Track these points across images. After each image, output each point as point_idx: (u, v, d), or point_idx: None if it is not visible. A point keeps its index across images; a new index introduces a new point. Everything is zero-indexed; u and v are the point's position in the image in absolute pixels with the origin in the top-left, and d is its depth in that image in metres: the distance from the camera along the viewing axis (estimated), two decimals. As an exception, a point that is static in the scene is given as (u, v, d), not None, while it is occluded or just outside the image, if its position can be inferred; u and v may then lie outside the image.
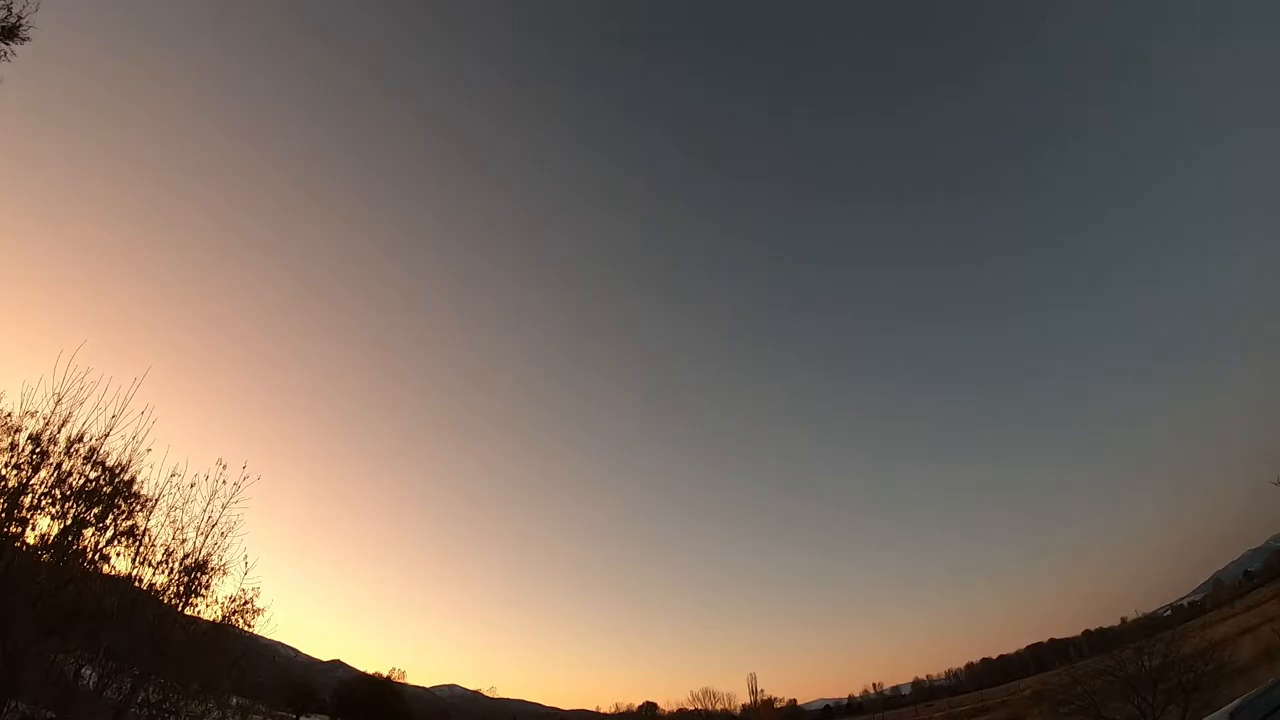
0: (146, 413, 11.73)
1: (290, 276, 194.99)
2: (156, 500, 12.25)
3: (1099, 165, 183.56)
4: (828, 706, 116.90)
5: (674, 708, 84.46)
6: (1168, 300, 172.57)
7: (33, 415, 10.71)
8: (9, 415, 10.68)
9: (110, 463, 11.49)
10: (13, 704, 9.71)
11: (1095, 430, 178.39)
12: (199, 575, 12.68)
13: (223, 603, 13.17)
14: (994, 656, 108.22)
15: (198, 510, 12.70)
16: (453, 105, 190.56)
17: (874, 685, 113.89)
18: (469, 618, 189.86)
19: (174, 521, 12.47)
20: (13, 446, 10.46)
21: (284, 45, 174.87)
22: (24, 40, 9.77)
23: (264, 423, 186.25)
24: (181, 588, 12.49)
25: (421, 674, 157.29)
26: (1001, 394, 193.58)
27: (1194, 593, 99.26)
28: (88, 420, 11.12)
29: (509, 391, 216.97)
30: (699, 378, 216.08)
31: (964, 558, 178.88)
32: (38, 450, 10.58)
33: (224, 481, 12.89)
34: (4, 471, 10.34)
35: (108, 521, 11.47)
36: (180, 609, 12.59)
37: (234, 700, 15.03)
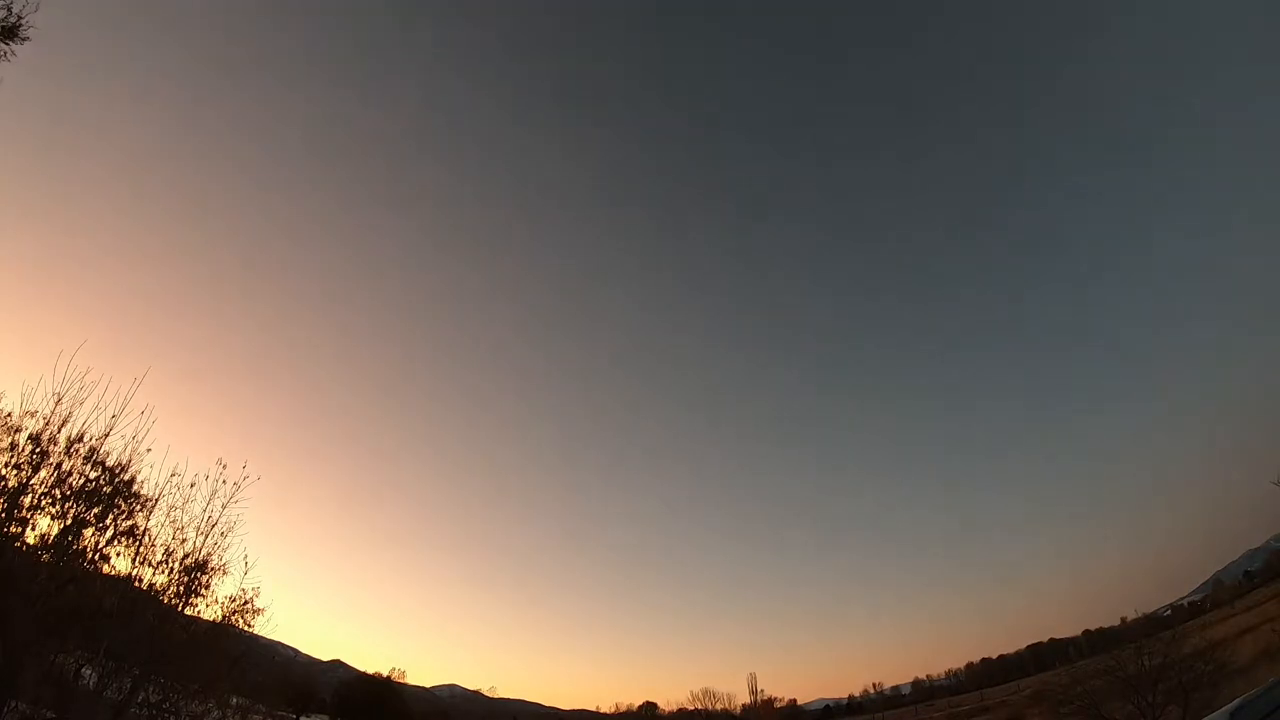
0: (146, 413, 11.76)
1: (290, 276, 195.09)
2: (156, 500, 12.26)
3: (1100, 164, 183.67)
4: (828, 706, 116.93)
5: (674, 708, 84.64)
6: (1168, 300, 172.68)
7: (33, 415, 10.72)
8: (9, 415, 10.69)
9: (110, 463, 11.50)
10: (13, 704, 9.71)
11: (1095, 430, 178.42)
12: (199, 575, 12.69)
13: (223, 603, 13.19)
14: (994, 656, 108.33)
15: (198, 510, 12.73)
16: (455, 107, 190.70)
17: (874, 685, 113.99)
18: (469, 618, 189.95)
19: (174, 521, 12.49)
20: (13, 446, 10.46)
21: (286, 42, 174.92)
22: (24, 40, 9.77)
23: (264, 423, 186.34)
24: (181, 588, 12.49)
25: (421, 674, 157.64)
26: (1001, 394, 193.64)
27: (1194, 593, 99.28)
28: (88, 420, 11.14)
29: (509, 392, 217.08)
30: (698, 379, 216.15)
31: (964, 557, 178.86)
32: (38, 450, 10.58)
33: (224, 481, 12.93)
34: (4, 471, 10.34)
35: (108, 521, 11.47)
36: (180, 609, 12.59)
37: (234, 700, 15.04)
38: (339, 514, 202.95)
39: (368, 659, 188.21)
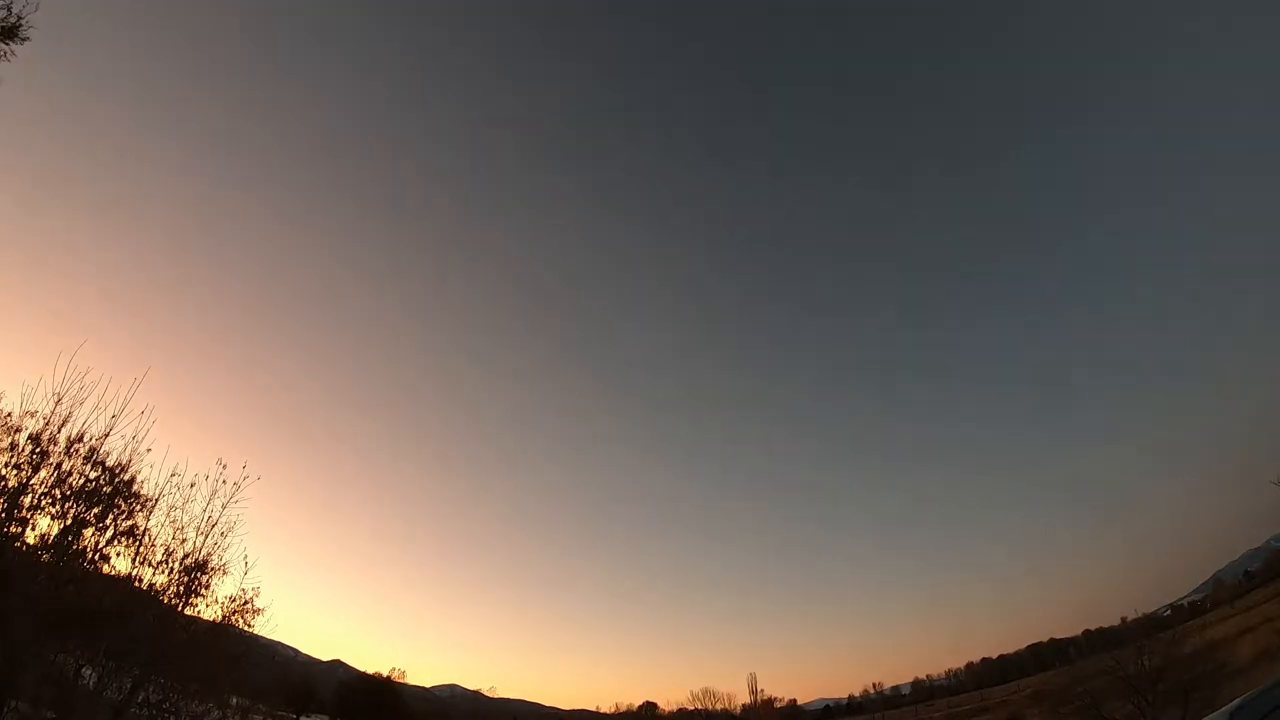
0: (146, 413, 11.73)
1: (291, 276, 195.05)
2: (156, 500, 12.24)
3: (1106, 165, 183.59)
4: (828, 706, 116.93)
5: (674, 708, 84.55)
6: (1168, 300, 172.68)
7: (33, 415, 10.69)
8: (9, 415, 10.67)
9: (110, 463, 11.48)
10: (12, 704, 9.70)
11: (1095, 430, 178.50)
12: (199, 575, 12.67)
13: (223, 603, 13.16)
14: (994, 656, 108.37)
15: (198, 510, 12.70)
16: (459, 109, 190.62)
17: (874, 685, 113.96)
18: (469, 618, 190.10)
19: (174, 521, 12.47)
20: (13, 446, 10.44)
21: (288, 42, 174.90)
22: (24, 40, 9.76)
23: (264, 423, 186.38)
24: (181, 588, 12.48)
25: (421, 674, 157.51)
26: (1001, 395, 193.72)
27: (1194, 593, 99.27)
28: (88, 420, 11.11)
29: (509, 392, 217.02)
30: (699, 380, 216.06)
31: (964, 558, 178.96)
32: (38, 450, 10.56)
33: (224, 481, 12.90)
34: (4, 471, 10.31)
35: (108, 521, 11.45)
36: (180, 609, 12.57)
37: (234, 700, 15.02)
38: (339, 514, 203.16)
39: (368, 659, 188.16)
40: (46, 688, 10.35)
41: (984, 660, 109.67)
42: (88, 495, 11.12)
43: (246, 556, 13.17)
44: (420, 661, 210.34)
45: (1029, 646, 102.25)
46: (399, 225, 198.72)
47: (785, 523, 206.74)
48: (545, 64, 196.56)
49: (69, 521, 10.88)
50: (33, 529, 10.58)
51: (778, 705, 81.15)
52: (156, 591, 12.21)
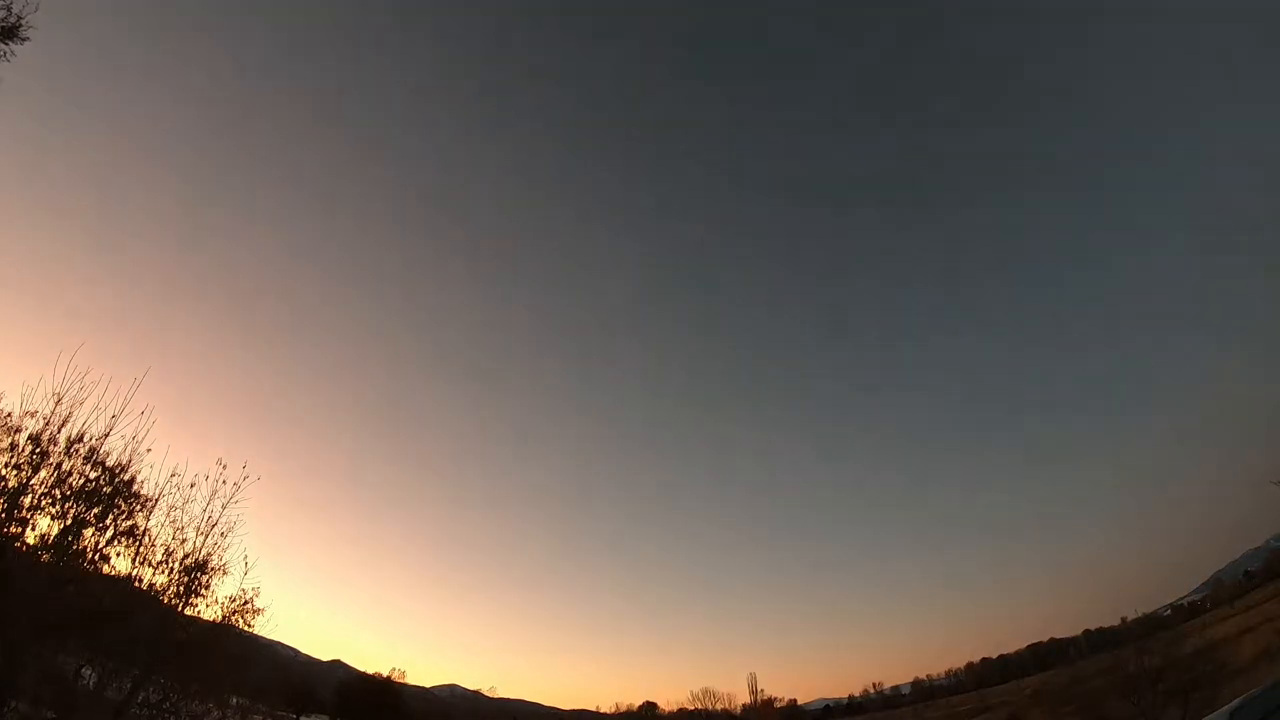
0: (146, 413, 11.72)
1: (291, 277, 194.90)
2: (156, 500, 12.23)
3: (1101, 170, 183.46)
4: (828, 706, 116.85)
5: (674, 708, 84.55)
6: (1169, 301, 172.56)
7: (33, 415, 10.69)
8: (9, 415, 10.67)
9: (110, 463, 11.47)
10: (13, 704, 9.70)
11: (1096, 430, 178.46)
12: (199, 575, 12.66)
13: (223, 603, 13.14)
14: (994, 656, 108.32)
15: (198, 510, 12.68)
16: (460, 115, 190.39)
17: (874, 685, 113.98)
18: (469, 618, 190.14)
19: (174, 521, 12.45)
20: (13, 446, 10.44)
21: (288, 41, 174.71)
22: (24, 40, 9.76)
23: (264, 423, 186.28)
24: (181, 588, 12.46)
25: (421, 674, 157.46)
26: (1002, 395, 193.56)
27: (1194, 593, 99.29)
28: (88, 420, 11.10)
29: (509, 393, 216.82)
30: (699, 380, 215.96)
31: (964, 558, 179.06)
32: (38, 450, 10.56)
33: (224, 481, 12.87)
34: (4, 471, 10.31)
35: (108, 522, 11.44)
36: (180, 609, 12.56)
37: (234, 700, 14.99)
38: (339, 514, 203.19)
39: (368, 659, 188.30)
40: (46, 688, 10.36)
41: (984, 660, 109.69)
42: (88, 495, 11.11)
43: (246, 556, 13.16)
44: (420, 661, 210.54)
45: (1029, 646, 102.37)
46: (399, 227, 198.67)
47: (785, 523, 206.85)
48: (542, 64, 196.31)
49: (69, 522, 10.87)
50: (33, 529, 10.58)
51: (778, 705, 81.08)
52: (156, 591, 12.20)
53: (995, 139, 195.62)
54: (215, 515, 12.79)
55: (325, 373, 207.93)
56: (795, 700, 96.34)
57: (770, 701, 78.83)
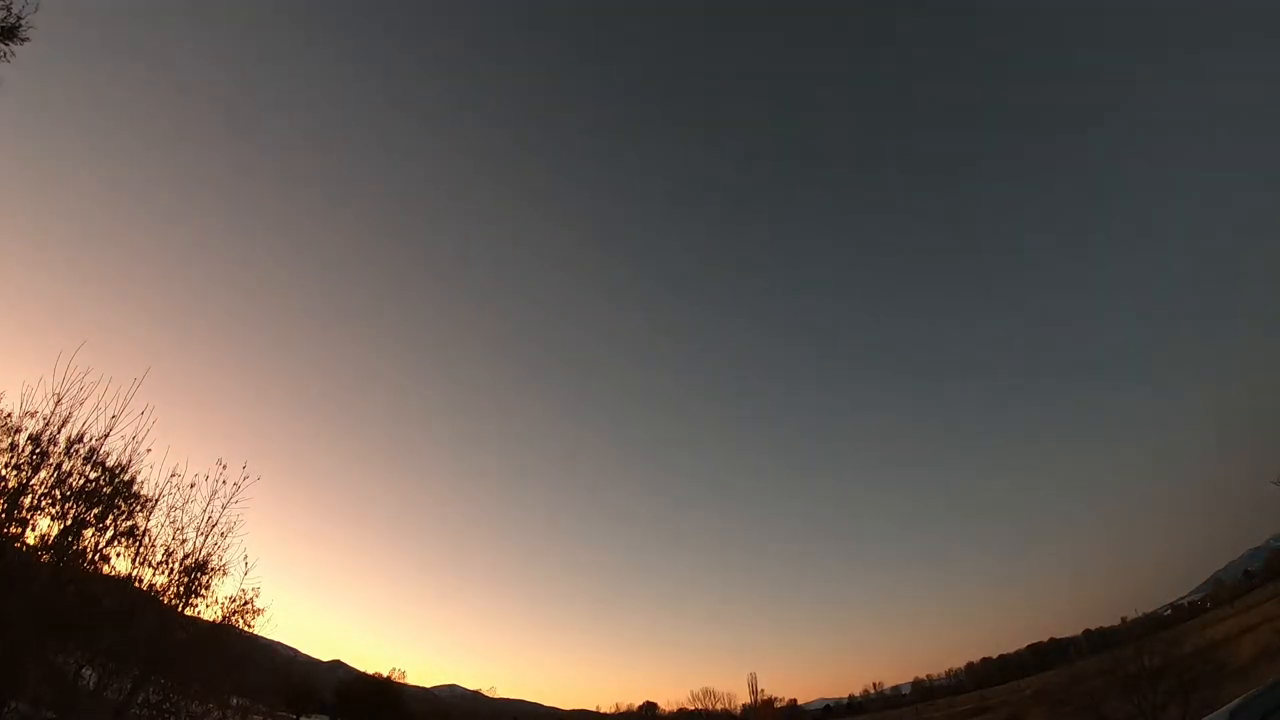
0: (146, 413, 11.71)
1: (291, 277, 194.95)
2: (156, 500, 12.23)
3: (1103, 165, 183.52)
4: (828, 706, 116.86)
5: (674, 708, 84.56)
6: (1169, 301, 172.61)
7: (33, 415, 10.68)
8: (9, 415, 10.65)
9: (110, 463, 11.46)
10: (13, 704, 9.70)
11: (1096, 431, 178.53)
12: (199, 575, 12.66)
13: (223, 603, 13.15)
14: (994, 656, 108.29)
15: (198, 510, 12.69)
16: (462, 110, 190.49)
17: (874, 685, 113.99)
18: (469, 618, 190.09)
19: (174, 522, 12.45)
20: (13, 447, 10.43)
21: (289, 41, 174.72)
22: (24, 40, 9.75)
23: (264, 423, 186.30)
24: (182, 588, 12.46)
25: (421, 674, 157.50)
26: (1002, 395, 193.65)
27: (1194, 593, 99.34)
28: (88, 420, 11.09)
29: (509, 393, 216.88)
30: (699, 379, 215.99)
31: (964, 558, 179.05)
32: (38, 451, 10.55)
33: (224, 481, 12.89)
34: (4, 472, 10.31)
35: (108, 522, 11.44)
36: (180, 609, 12.56)
37: (234, 700, 15.00)
38: (339, 514, 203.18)
39: (368, 659, 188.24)
40: (46, 688, 10.35)
41: (984, 660, 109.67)
42: (88, 496, 11.11)
43: (246, 557, 13.17)
44: (420, 661, 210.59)
45: (1029, 646, 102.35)
46: (400, 228, 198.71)
47: (786, 523, 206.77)
48: (543, 64, 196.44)
49: (69, 522, 10.86)
50: (33, 529, 10.58)
51: (778, 705, 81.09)
52: (156, 592, 12.20)
53: (998, 128, 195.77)
54: (215, 515, 12.81)
55: (325, 373, 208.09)
56: (795, 700, 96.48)
57: (770, 701, 78.83)
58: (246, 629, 13.77)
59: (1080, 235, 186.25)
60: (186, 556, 12.49)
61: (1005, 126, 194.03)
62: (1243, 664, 32.27)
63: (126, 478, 11.72)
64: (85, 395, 11.01)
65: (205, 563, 12.72)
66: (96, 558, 11.38)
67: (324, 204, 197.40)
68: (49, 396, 10.79)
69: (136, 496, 11.94)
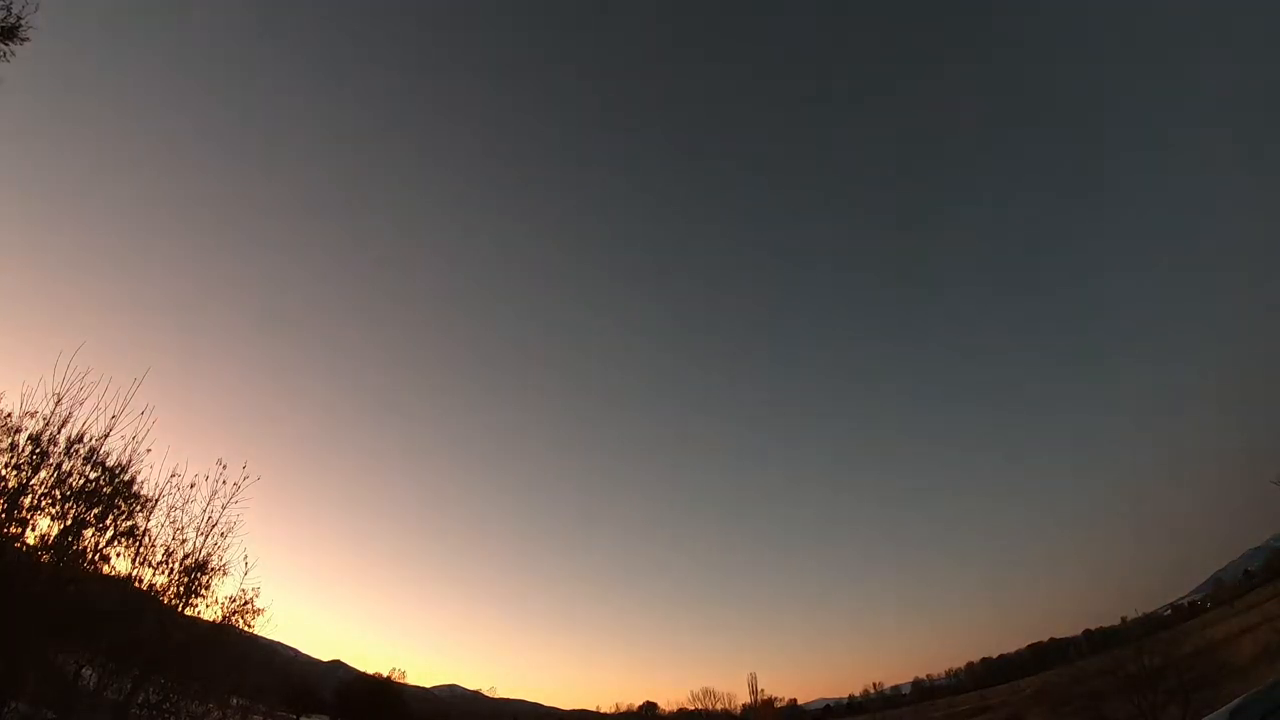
0: (146, 413, 11.71)
1: (291, 277, 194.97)
2: (156, 500, 12.24)
3: (1101, 163, 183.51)
4: (828, 706, 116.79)
5: (674, 708, 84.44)
6: (1169, 300, 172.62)
7: (33, 415, 10.68)
8: (9, 415, 10.66)
9: (110, 463, 11.47)
10: (13, 704, 9.70)
11: (1096, 430, 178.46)
12: (199, 575, 12.67)
13: (223, 603, 13.17)
14: (994, 656, 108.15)
15: (198, 510, 12.71)
16: (460, 117, 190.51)
17: (874, 685, 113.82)
18: (469, 618, 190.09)
19: (174, 522, 12.48)
20: (13, 447, 10.43)
21: (288, 41, 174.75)
22: (24, 40, 9.75)
23: (264, 423, 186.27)
24: (182, 588, 12.47)
25: (421, 674, 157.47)
26: (1002, 395, 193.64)
27: (1194, 593, 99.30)
28: (88, 420, 11.10)
29: (509, 392, 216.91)
30: (698, 380, 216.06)
31: (964, 558, 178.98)
32: (38, 451, 10.55)
33: (224, 481, 12.91)
34: (4, 472, 10.31)
35: (108, 522, 11.44)
36: (180, 609, 12.57)
37: (234, 700, 15.01)
38: (339, 514, 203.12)
39: (368, 659, 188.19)
40: (47, 688, 10.35)
41: (984, 660, 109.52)
42: (88, 496, 11.11)
43: (246, 557, 13.18)
44: (420, 661, 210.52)
45: (1029, 646, 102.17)
46: (400, 228, 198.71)
47: (786, 523, 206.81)
48: (547, 69, 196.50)
49: (69, 522, 10.86)
50: (33, 529, 10.58)
51: (778, 705, 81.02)
52: (156, 592, 12.21)
53: (994, 139, 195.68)
54: (215, 515, 12.83)
55: (325, 373, 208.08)
56: (795, 700, 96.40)
57: (770, 701, 78.75)
58: (246, 629, 13.78)
59: (1079, 234, 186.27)
60: (186, 556, 12.50)
61: (1010, 123, 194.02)
62: (1243, 664, 32.27)
63: (126, 478, 11.73)
64: (85, 395, 11.02)
65: (205, 563, 12.73)
66: (96, 558, 11.38)
67: (325, 204, 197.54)
68: (49, 396, 10.80)
69: (136, 496, 11.95)
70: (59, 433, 10.83)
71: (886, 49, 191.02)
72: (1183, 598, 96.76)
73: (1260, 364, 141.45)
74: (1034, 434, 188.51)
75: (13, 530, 10.30)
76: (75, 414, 10.97)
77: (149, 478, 12.13)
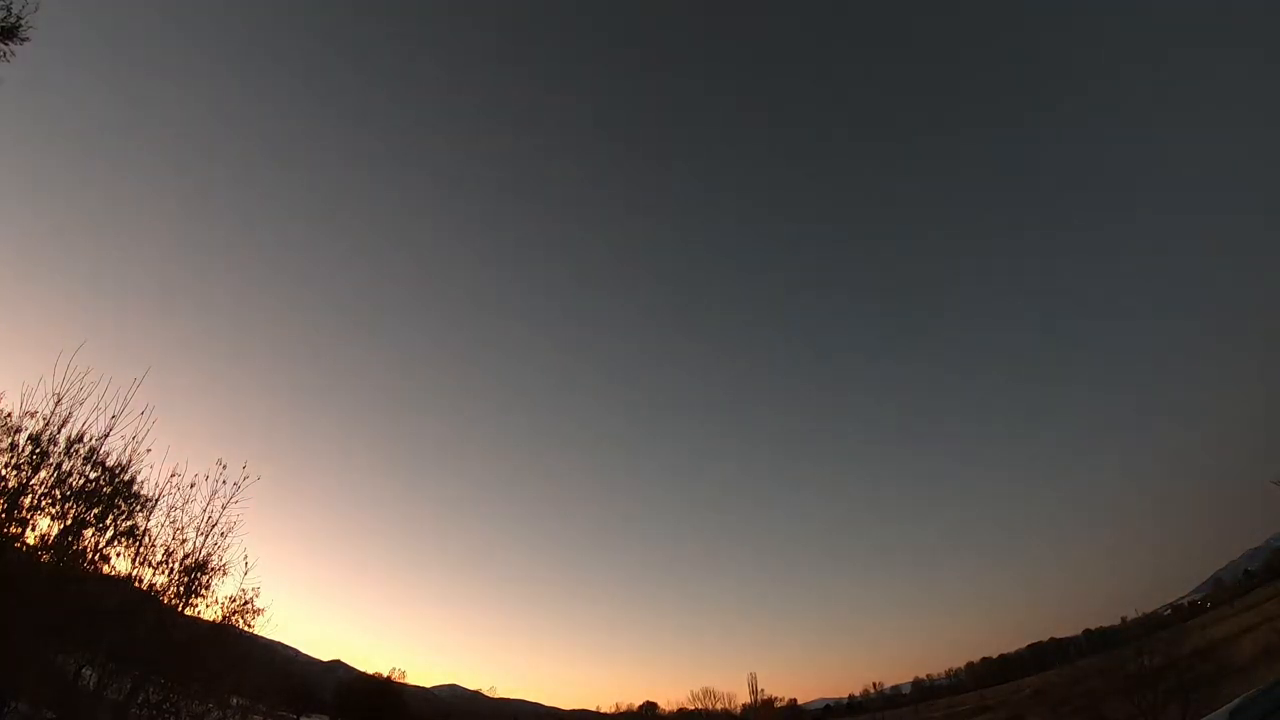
0: (146, 413, 11.75)
1: (291, 277, 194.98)
2: (156, 500, 12.28)
3: (1098, 162, 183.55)
4: (828, 706, 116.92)
5: (674, 708, 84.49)
6: (1168, 300, 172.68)
7: (33, 415, 10.72)
8: (9, 415, 10.68)
9: (110, 463, 11.51)
10: (13, 704, 9.71)
11: (1095, 430, 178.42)
12: (199, 575, 12.70)
13: (223, 603, 13.20)
14: (994, 656, 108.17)
15: (198, 510, 12.75)
16: (460, 108, 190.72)
17: (874, 685, 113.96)
18: (469, 618, 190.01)
19: (174, 522, 12.52)
20: (13, 447, 10.46)
21: (288, 42, 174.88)
22: (24, 40, 9.75)
23: (264, 423, 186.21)
24: (182, 588, 12.49)
25: (421, 674, 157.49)
26: (1001, 394, 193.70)
27: (1194, 592, 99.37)
28: (88, 420, 11.14)
29: (508, 392, 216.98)
30: (696, 378, 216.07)
31: (964, 557, 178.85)
32: (38, 450, 10.58)
33: (224, 481, 12.96)
34: (4, 472, 10.33)
35: (108, 522, 11.46)
36: (180, 609, 12.58)
37: (234, 700, 15.02)
38: (339, 514, 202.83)
39: (368, 659, 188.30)
40: (47, 688, 10.35)
41: (984, 660, 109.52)
42: (88, 496, 11.13)
43: (246, 556, 13.20)
44: (420, 661, 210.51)
45: (1029, 646, 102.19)
46: (401, 225, 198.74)
47: (786, 522, 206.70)
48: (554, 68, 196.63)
49: (69, 522, 10.88)
50: (33, 529, 10.60)
51: (778, 705, 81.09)
52: (157, 592, 12.22)
53: (987, 136, 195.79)
54: (215, 515, 12.86)
55: (325, 373, 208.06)
56: (795, 700, 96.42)
57: (770, 701, 78.81)
58: (246, 629, 13.80)
59: (1078, 234, 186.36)
60: (186, 556, 12.53)
61: (1009, 122, 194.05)
62: (1243, 664, 32.28)
63: (126, 478, 11.76)
64: (85, 395, 11.06)
65: (205, 563, 12.75)
66: (96, 558, 11.40)
67: (326, 204, 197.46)
68: (49, 396, 10.83)
69: (136, 496, 11.97)
70: (59, 433, 10.86)
71: (886, 54, 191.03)
72: (1183, 598, 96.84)
73: (1260, 363, 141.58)
74: (1034, 434, 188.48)
75: (13, 530, 10.31)
76: (75, 414, 11.02)
77: (149, 478, 12.19)
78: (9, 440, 10.48)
